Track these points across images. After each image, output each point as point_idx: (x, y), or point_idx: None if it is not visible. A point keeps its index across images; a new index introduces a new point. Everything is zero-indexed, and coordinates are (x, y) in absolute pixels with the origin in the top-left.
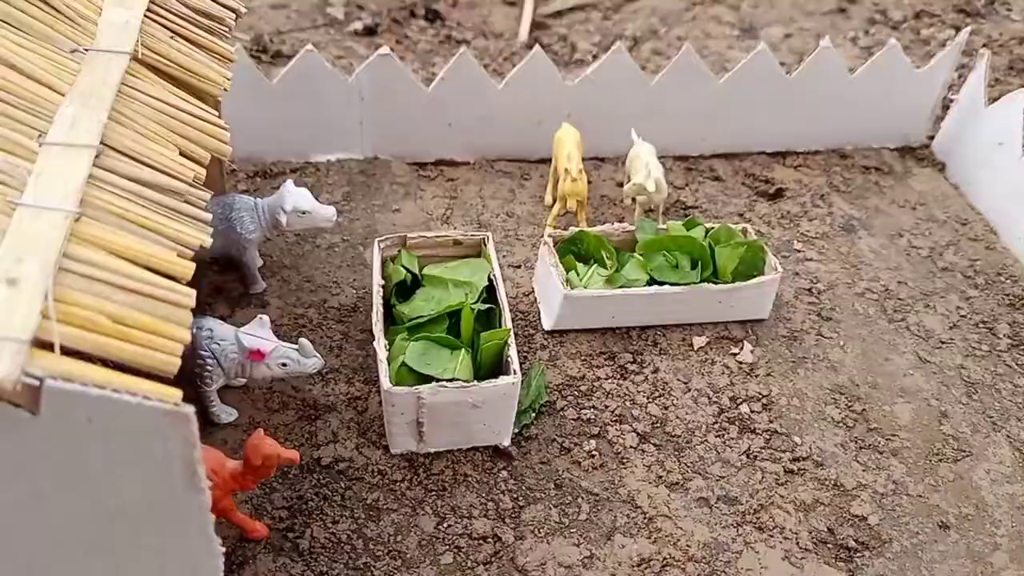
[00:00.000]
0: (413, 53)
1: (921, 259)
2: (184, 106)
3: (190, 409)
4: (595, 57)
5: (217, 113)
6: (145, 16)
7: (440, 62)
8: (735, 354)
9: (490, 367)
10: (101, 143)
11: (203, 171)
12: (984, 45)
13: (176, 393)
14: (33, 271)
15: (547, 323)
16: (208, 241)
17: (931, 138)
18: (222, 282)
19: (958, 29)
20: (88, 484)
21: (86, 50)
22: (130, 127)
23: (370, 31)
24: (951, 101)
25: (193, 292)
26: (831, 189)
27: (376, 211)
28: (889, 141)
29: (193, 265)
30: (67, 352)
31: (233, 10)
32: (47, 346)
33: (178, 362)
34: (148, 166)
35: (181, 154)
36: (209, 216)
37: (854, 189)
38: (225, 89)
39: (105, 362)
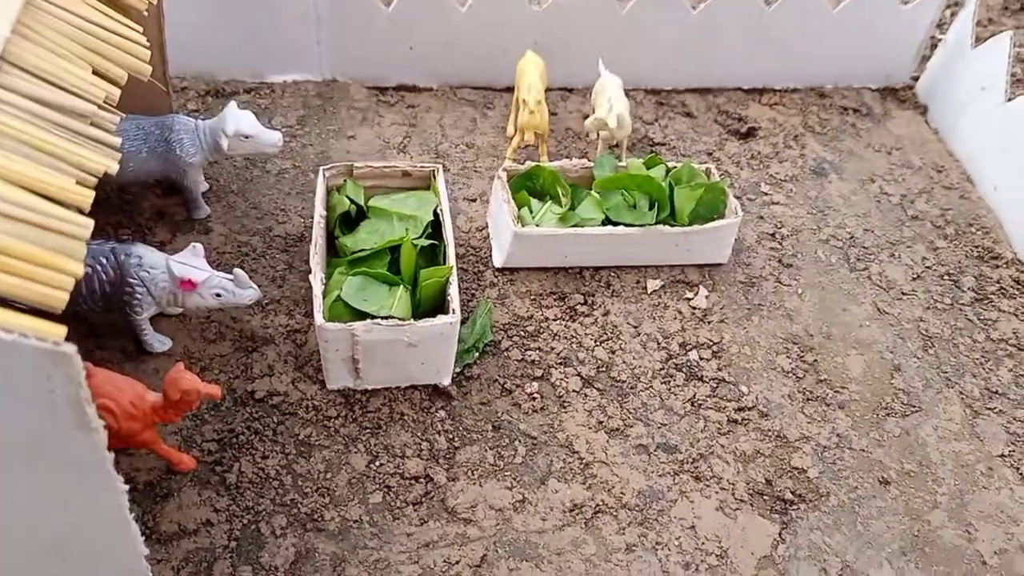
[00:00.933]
0: None
1: (891, 206)
2: (101, 20)
3: (71, 348)
4: None
5: (141, 28)
6: None
7: None
8: (689, 299)
9: (431, 305)
10: (1, 59)
11: (116, 91)
12: None
13: (60, 331)
14: None
15: (498, 260)
16: (113, 168)
17: (915, 79)
18: (164, 206)
19: None
20: None
21: None
22: (36, 42)
23: None
24: (939, 40)
25: (90, 223)
26: (806, 130)
27: (331, 137)
28: (871, 81)
29: (91, 194)
30: None
31: None
32: None
33: (66, 297)
34: (53, 85)
35: (94, 72)
36: (117, 141)
37: (829, 131)
38: (151, 3)
39: None
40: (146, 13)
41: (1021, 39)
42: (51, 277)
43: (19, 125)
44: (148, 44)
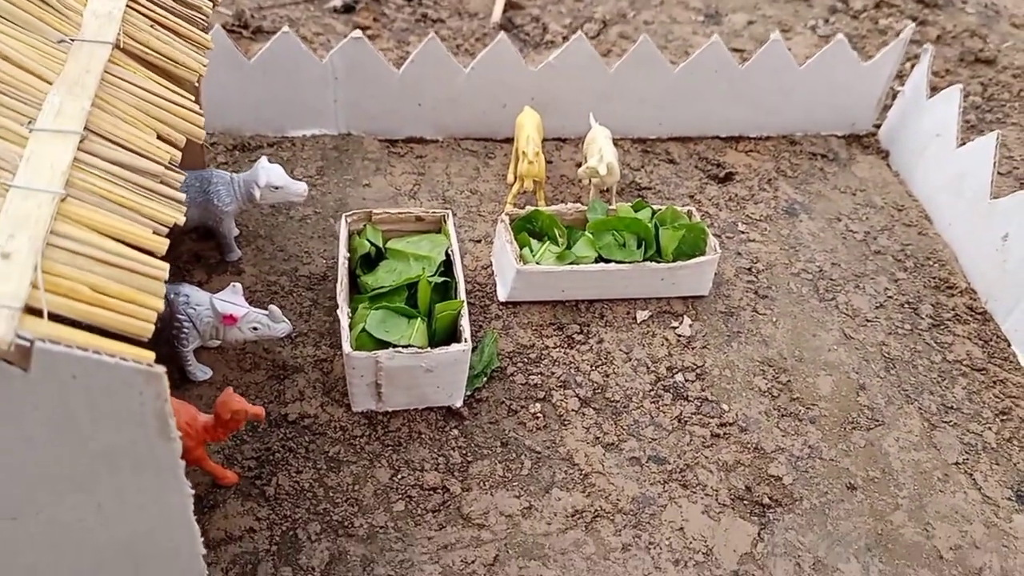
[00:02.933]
0: (389, 31)
1: (856, 242)
2: (162, 92)
3: (161, 369)
4: (565, 39)
5: (193, 98)
6: (127, 6)
7: (415, 41)
8: (675, 327)
9: (444, 335)
10: (85, 129)
11: (178, 153)
12: (938, 37)
13: (149, 355)
14: (23, 246)
15: (502, 295)
16: (181, 220)
17: (877, 127)
18: (200, 250)
19: (916, 19)
20: (73, 432)
21: (72, 40)
22: (112, 113)
23: (349, 8)
24: (899, 92)
25: (166, 266)
26: (778, 174)
27: (347, 185)
28: (837, 129)
29: (167, 242)
30: (54, 318)
31: None
32: (36, 312)
33: (151, 328)
34: (128, 149)
35: (159, 137)
36: (183, 196)
37: (800, 174)
38: (201, 76)
39: (88, 327)
40: (196, 84)
41: (975, 87)
42: (137, 311)
43: (104, 184)
44: (201, 112)
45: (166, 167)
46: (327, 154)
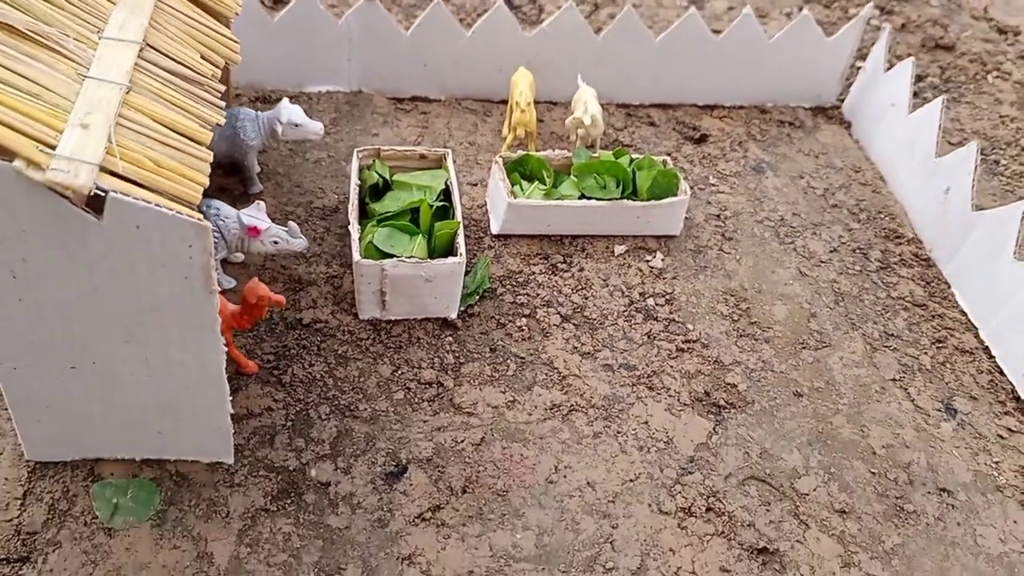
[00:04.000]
0: (399, 7)
1: (816, 197)
2: (205, 21)
3: (208, 223)
4: None
5: (229, 31)
6: None
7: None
8: (648, 260)
9: (442, 251)
10: (143, 41)
11: (218, 71)
12: (903, 25)
13: (199, 215)
14: (99, 121)
15: (495, 227)
16: (222, 120)
17: (841, 100)
18: (225, 184)
19: (883, 9)
20: (132, 284)
21: None
22: (164, 32)
23: None
24: (860, 67)
25: (210, 152)
26: (748, 138)
27: (358, 135)
28: (804, 101)
29: (211, 132)
30: (122, 180)
31: None
32: (110, 172)
33: (199, 195)
34: (177, 62)
35: (202, 57)
36: (223, 103)
37: (768, 139)
38: (236, 13)
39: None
40: (234, 17)
41: (935, 71)
42: (188, 183)
43: (159, 85)
44: (238, 41)
45: (208, 79)
46: (340, 108)
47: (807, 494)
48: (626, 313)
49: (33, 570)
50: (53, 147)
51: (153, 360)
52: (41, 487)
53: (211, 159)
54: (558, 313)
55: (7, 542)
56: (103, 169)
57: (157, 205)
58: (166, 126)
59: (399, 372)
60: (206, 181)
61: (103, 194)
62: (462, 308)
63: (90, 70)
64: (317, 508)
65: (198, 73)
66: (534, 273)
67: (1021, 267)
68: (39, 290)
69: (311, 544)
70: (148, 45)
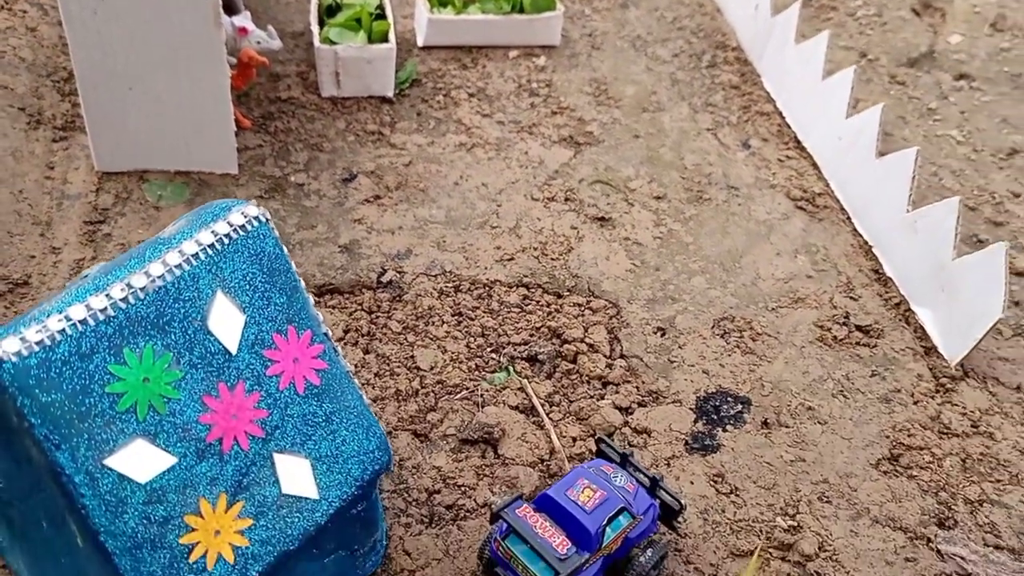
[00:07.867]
0: None
1: (667, 23)
2: None
3: None
4: None
5: None
6: None
7: None
8: (534, 60)
9: (379, 42)
10: None
11: None
12: None
13: None
14: None
15: (420, 40)
16: None
17: None
18: None
19: None
20: (166, 20)
21: None
22: None
23: None
24: None
25: None
26: None
27: None
28: None
29: None
30: None
31: None
32: None
33: None
34: None
35: None
36: None
37: None
38: None
39: None
40: None
41: None
42: None
43: None
44: None
45: None
46: None
47: (635, 189)
48: (516, 92)
49: (109, 226)
50: None
51: (182, 82)
52: (108, 185)
53: None
54: (466, 92)
55: (89, 213)
56: None
57: None
58: None
59: (351, 126)
60: None
61: None
62: (396, 90)
63: None
64: (296, 197)
65: None
66: (450, 70)
67: (800, 50)
68: (113, 23)
69: (292, 215)
70: None
